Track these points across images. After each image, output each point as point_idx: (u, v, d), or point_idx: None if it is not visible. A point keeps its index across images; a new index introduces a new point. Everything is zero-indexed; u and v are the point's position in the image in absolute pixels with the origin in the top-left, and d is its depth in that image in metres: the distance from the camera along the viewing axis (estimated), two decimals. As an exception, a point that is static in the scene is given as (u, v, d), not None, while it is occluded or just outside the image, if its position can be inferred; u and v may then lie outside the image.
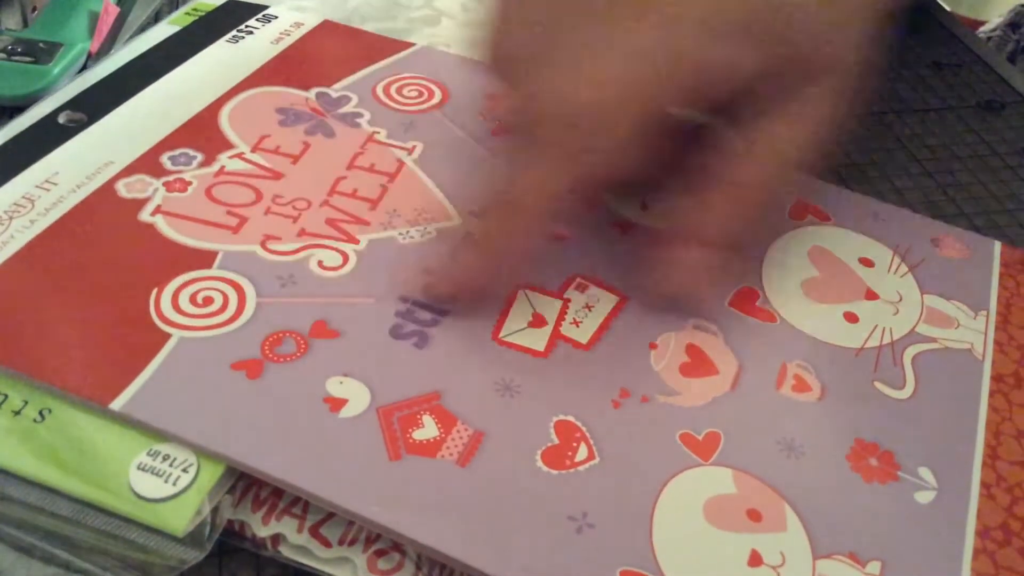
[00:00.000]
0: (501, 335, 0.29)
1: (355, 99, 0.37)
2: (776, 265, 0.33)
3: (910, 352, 0.30)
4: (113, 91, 0.37)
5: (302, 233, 0.31)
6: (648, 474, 0.26)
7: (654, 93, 0.26)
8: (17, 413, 0.25)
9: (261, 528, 0.25)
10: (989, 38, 0.63)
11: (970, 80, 0.48)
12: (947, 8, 0.55)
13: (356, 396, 0.27)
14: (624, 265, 0.32)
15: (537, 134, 0.27)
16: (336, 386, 0.27)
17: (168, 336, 0.27)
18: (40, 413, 0.26)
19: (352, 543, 0.24)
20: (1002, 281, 0.34)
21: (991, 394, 0.30)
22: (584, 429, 0.27)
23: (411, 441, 0.26)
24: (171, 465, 0.24)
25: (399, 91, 0.38)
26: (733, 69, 0.27)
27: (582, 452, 0.26)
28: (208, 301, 0.29)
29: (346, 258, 0.31)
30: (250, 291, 0.29)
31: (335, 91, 0.38)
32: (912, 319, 0.32)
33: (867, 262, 0.33)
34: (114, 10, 0.46)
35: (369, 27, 0.43)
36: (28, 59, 0.44)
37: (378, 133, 0.36)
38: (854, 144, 0.42)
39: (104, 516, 0.24)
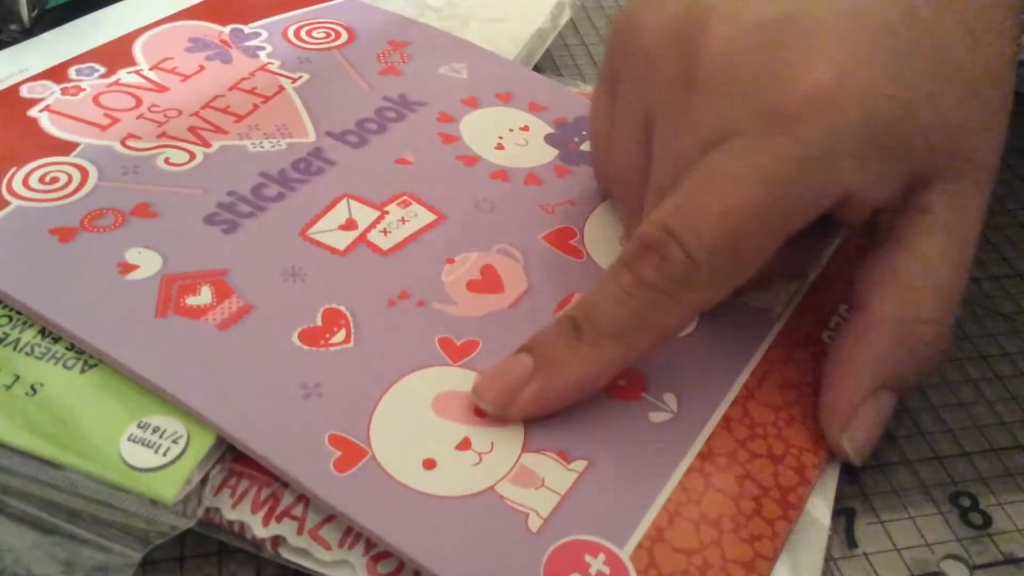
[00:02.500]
0: (309, 232, 0.31)
1: (264, 35, 0.40)
2: (603, 216, 0.34)
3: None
4: (54, 17, 0.41)
5: (162, 135, 0.34)
6: (393, 363, 0.28)
7: (779, 224, 0.25)
8: (8, 388, 0.26)
9: (261, 529, 0.25)
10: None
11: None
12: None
13: (148, 264, 0.29)
14: (457, 192, 0.34)
15: (656, 265, 0.25)
16: (134, 255, 0.29)
17: (7, 204, 0.31)
18: (32, 387, 0.26)
19: (352, 546, 0.25)
20: (835, 259, 0.34)
21: (772, 347, 0.30)
22: (350, 317, 0.29)
23: (182, 305, 0.28)
24: (161, 437, 0.25)
25: (308, 33, 0.41)
26: (867, 190, 0.25)
27: (339, 336, 0.28)
28: (54, 180, 0.32)
29: (193, 157, 0.33)
30: (93, 175, 0.32)
31: (248, 28, 0.41)
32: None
33: None
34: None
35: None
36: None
37: (272, 64, 0.39)
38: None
39: (96, 485, 0.25)
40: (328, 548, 0.25)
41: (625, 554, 0.24)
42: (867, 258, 0.28)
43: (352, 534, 0.25)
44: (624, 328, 0.26)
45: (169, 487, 0.25)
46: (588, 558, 0.24)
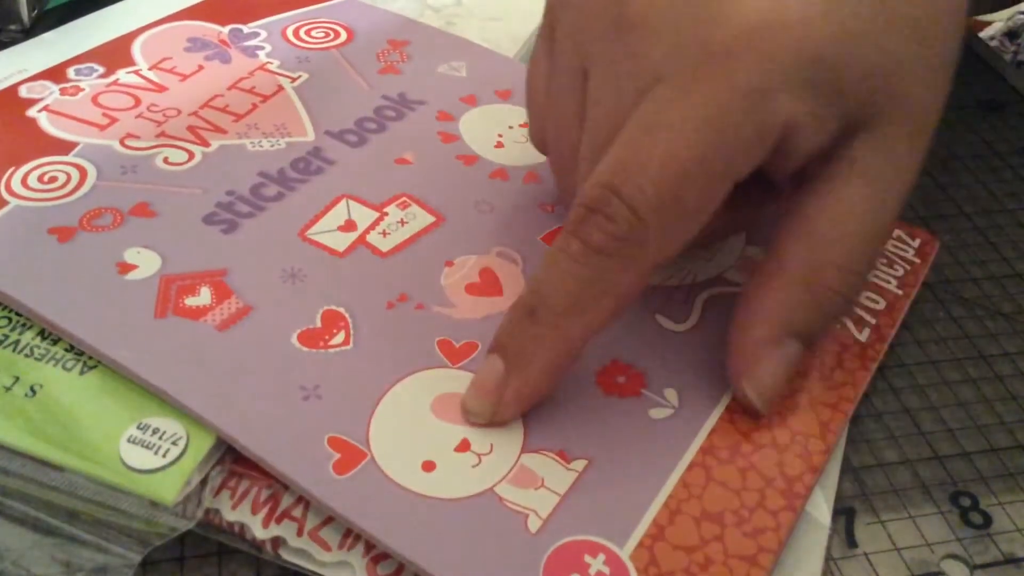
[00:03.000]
0: (308, 232, 0.31)
1: (263, 35, 0.40)
2: None
3: (705, 294, 0.31)
4: (54, 17, 0.41)
5: (160, 135, 0.34)
6: (392, 366, 0.28)
7: (722, 169, 0.24)
8: (8, 389, 0.26)
9: (261, 531, 0.25)
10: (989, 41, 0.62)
11: (970, 80, 0.47)
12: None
13: (147, 264, 0.29)
14: (456, 193, 0.34)
15: (603, 227, 0.24)
16: (133, 255, 0.29)
17: (6, 203, 0.31)
18: (31, 389, 0.26)
19: (352, 547, 0.25)
20: None
21: None
22: (349, 319, 0.29)
23: (181, 305, 0.28)
24: (160, 438, 0.25)
25: (307, 32, 0.41)
26: (804, 130, 0.24)
27: (339, 338, 0.28)
28: (52, 180, 0.32)
29: (192, 156, 0.33)
30: (92, 174, 0.32)
31: (248, 28, 0.41)
32: (724, 265, 0.32)
33: None
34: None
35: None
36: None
37: (271, 63, 0.39)
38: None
39: (96, 487, 0.25)
40: (328, 549, 0.25)
41: (625, 553, 0.24)
42: (785, 209, 0.27)
43: (352, 535, 0.25)
44: (580, 300, 0.25)
45: (169, 488, 0.25)
46: (588, 558, 0.24)
